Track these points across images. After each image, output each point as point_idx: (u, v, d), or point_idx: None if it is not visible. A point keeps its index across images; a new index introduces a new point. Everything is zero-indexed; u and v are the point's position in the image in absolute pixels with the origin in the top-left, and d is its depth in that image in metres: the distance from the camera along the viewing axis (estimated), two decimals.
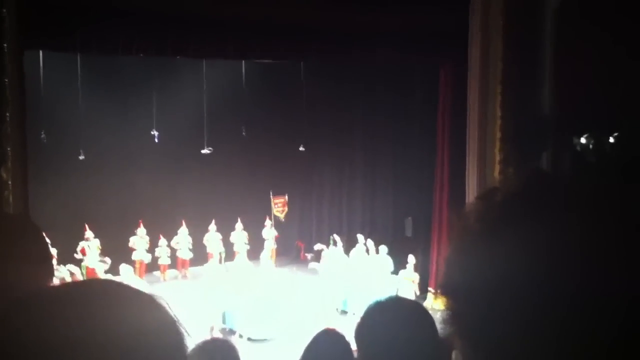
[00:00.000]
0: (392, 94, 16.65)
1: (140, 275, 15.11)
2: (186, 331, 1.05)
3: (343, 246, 15.79)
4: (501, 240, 0.91)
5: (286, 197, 17.91)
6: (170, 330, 1.02)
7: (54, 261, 12.71)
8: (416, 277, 14.18)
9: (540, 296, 0.86)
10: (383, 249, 14.73)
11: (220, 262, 16.44)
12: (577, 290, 0.84)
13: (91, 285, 1.09)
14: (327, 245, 15.95)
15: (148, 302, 1.03)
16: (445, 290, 1.00)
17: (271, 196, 17.60)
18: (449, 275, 0.99)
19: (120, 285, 1.06)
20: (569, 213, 0.89)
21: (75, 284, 1.06)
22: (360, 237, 15.76)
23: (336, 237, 16.08)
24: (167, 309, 1.04)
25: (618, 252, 0.86)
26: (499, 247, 0.91)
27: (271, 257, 16.52)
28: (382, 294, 3.07)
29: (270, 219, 17.50)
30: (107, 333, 0.93)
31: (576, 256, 0.86)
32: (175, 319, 1.04)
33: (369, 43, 12.19)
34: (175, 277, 16.72)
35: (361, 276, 14.36)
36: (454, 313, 0.97)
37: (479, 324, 0.92)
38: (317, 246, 16.09)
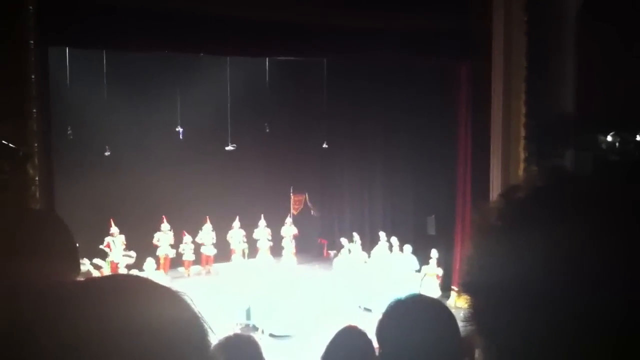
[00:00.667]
0: (412, 91, 16.58)
1: (164, 271, 15.23)
2: (210, 327, 1.05)
3: (362, 244, 15.80)
4: (523, 238, 0.91)
5: (306, 195, 17.90)
6: (193, 325, 1.02)
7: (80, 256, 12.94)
8: (440, 271, 14.22)
9: (562, 295, 0.86)
10: (408, 247, 14.71)
11: (243, 258, 16.53)
12: (598, 290, 0.84)
13: (114, 279, 1.09)
14: (349, 242, 15.97)
15: (171, 298, 1.03)
16: (466, 288, 1.00)
17: (291, 193, 17.63)
18: (470, 274, 0.99)
19: (143, 280, 1.06)
20: (590, 211, 0.89)
21: (97, 279, 1.06)
22: (382, 234, 15.76)
23: (355, 235, 16.07)
24: (191, 304, 1.04)
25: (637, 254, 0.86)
26: (520, 245, 0.91)
27: (292, 254, 16.56)
28: (405, 292, 3.06)
29: (290, 216, 17.54)
30: (129, 328, 0.93)
31: (598, 255, 0.86)
32: (198, 314, 1.04)
33: (389, 42, 12.15)
34: (199, 273, 16.81)
35: (385, 274, 14.34)
36: (475, 311, 0.98)
37: (500, 322, 0.92)
38: (342, 241, 16.10)
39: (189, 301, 1.05)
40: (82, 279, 1.11)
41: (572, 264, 0.86)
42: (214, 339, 1.06)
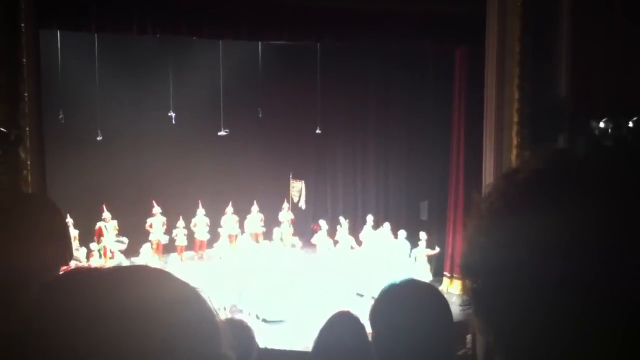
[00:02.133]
0: (407, 76, 16.59)
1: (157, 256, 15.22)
2: (224, 326, 1.05)
3: (351, 227, 15.87)
4: (524, 220, 0.91)
5: (302, 183, 17.91)
6: (207, 323, 1.03)
7: (75, 241, 12.93)
8: (429, 251, 14.40)
9: (563, 277, 0.85)
10: (402, 233, 14.74)
11: (235, 243, 16.55)
12: (598, 273, 0.84)
13: (131, 271, 1.08)
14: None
15: (189, 293, 1.04)
16: (465, 270, 0.99)
17: (290, 178, 17.62)
18: (470, 255, 0.98)
19: (163, 273, 1.06)
20: (593, 194, 0.89)
21: (118, 268, 1.07)
22: (369, 217, 15.79)
23: (342, 218, 16.11)
24: (208, 301, 1.05)
25: (633, 234, 0.85)
26: (521, 226, 0.90)
27: (283, 238, 16.55)
28: (398, 277, 3.07)
29: (288, 201, 17.52)
30: (143, 320, 0.94)
31: (598, 238, 0.85)
32: (214, 312, 1.05)
33: (384, 26, 12.11)
34: (192, 258, 16.81)
35: (378, 259, 14.38)
36: (474, 293, 0.97)
37: (499, 304, 0.92)
38: (321, 222, 16.21)
39: (205, 298, 1.05)
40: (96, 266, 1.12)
41: (572, 247, 0.86)
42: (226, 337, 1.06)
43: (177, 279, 1.05)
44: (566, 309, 0.85)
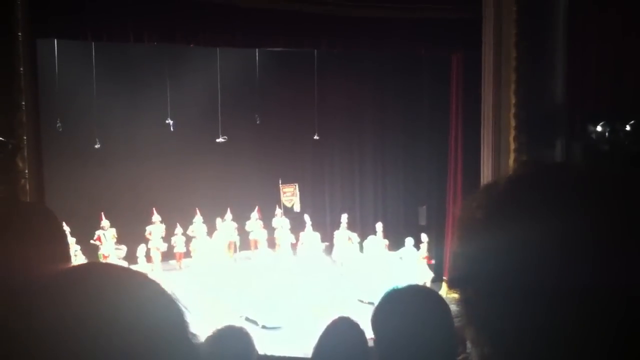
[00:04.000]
0: (404, 81, 16.63)
1: (156, 263, 15.18)
2: (185, 307, 1.05)
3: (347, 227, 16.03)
4: (503, 229, 0.92)
5: (295, 186, 17.88)
6: (170, 307, 1.03)
7: (74, 250, 12.89)
8: (425, 253, 14.62)
9: (544, 285, 0.86)
10: (409, 241, 14.75)
11: (235, 251, 16.53)
12: (579, 280, 0.84)
13: (87, 268, 1.10)
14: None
15: (145, 283, 1.04)
16: (454, 282, 1.00)
17: (280, 185, 17.60)
18: (457, 267, 1.00)
19: (117, 267, 1.07)
20: (568, 200, 0.90)
21: (70, 268, 1.07)
22: (379, 225, 15.84)
23: (343, 216, 16.29)
24: (165, 288, 1.05)
25: (617, 238, 0.86)
26: (501, 235, 0.92)
27: (279, 244, 16.56)
28: (400, 282, 3.08)
29: (280, 207, 17.50)
30: (105, 316, 0.94)
31: (576, 245, 0.86)
32: (173, 296, 1.05)
33: (381, 31, 12.14)
34: (189, 266, 16.75)
35: (383, 268, 14.42)
36: (464, 304, 0.98)
37: (488, 313, 0.93)
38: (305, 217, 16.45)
39: (163, 286, 1.05)
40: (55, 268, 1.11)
41: (553, 254, 0.87)
42: (190, 318, 1.06)
43: (133, 271, 1.06)
44: (553, 316, 0.86)
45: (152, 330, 0.97)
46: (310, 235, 15.92)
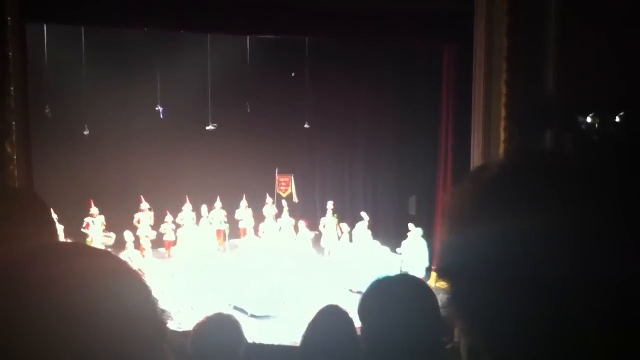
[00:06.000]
0: (395, 72, 16.61)
1: (144, 251, 15.15)
2: (151, 285, 1.03)
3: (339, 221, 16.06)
4: (491, 218, 0.91)
5: (291, 176, 17.90)
6: (137, 284, 1.01)
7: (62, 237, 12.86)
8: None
9: (533, 274, 0.86)
10: (418, 231, 14.75)
11: (224, 239, 16.52)
12: (568, 269, 0.84)
13: (52, 247, 1.08)
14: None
15: (112, 261, 1.02)
16: (442, 272, 1.00)
17: (276, 174, 17.60)
18: (445, 257, 0.99)
19: (83, 246, 1.06)
20: (555, 189, 0.90)
21: (36, 246, 1.04)
22: (364, 214, 15.88)
23: (329, 210, 16.38)
24: (130, 264, 1.03)
25: (603, 227, 0.86)
26: (489, 226, 0.91)
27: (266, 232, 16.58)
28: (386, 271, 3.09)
29: (272, 196, 17.50)
30: (77, 297, 0.92)
31: (564, 234, 0.86)
32: (140, 273, 1.03)
33: (373, 23, 12.11)
34: (177, 254, 16.72)
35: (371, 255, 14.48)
36: (452, 294, 0.98)
37: (476, 303, 0.93)
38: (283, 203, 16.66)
39: (129, 264, 1.04)
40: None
41: (542, 243, 0.86)
42: (168, 307, 1.05)
43: (99, 250, 1.05)
44: (541, 305, 0.86)
45: (116, 308, 0.95)
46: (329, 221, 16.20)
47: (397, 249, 14.72)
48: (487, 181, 0.97)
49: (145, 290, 1.02)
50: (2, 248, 1.88)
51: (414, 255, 14.39)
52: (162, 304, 1.03)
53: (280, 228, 16.15)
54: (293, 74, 16.66)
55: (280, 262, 14.09)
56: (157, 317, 1.02)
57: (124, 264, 1.03)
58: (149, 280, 1.03)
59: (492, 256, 0.90)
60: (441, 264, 1.01)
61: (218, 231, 16.60)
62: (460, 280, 0.96)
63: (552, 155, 0.97)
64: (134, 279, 1.02)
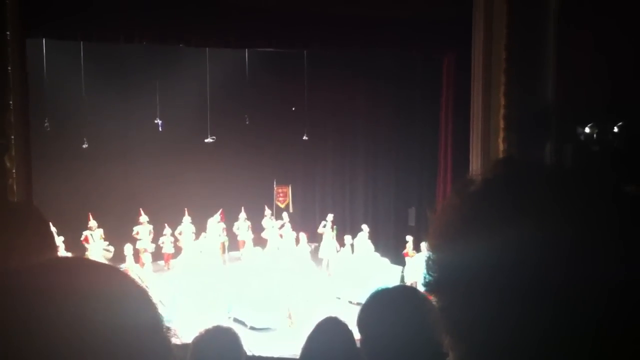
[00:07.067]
0: (394, 84, 16.64)
1: (143, 264, 15.12)
2: (157, 300, 1.03)
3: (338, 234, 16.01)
4: (479, 234, 0.91)
5: (289, 187, 17.90)
6: (142, 299, 1.01)
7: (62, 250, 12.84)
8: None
9: (515, 289, 0.86)
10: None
11: (224, 251, 16.49)
12: (556, 283, 0.84)
13: (56, 263, 1.07)
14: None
15: (116, 276, 1.02)
16: (429, 288, 0.99)
17: (274, 185, 17.60)
18: (432, 273, 0.98)
19: (87, 261, 1.07)
20: (542, 202, 0.89)
21: (39, 263, 1.04)
22: (364, 227, 15.86)
23: (328, 221, 16.43)
24: (137, 279, 1.03)
25: (590, 240, 0.86)
26: (477, 241, 0.91)
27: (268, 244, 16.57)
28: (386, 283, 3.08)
29: (271, 208, 17.48)
30: (81, 311, 0.91)
31: (551, 248, 0.85)
32: (145, 288, 1.02)
33: (372, 32, 12.14)
34: (177, 266, 16.68)
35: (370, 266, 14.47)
36: (441, 310, 0.97)
37: (462, 319, 0.92)
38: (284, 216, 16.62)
39: (134, 277, 1.03)
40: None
41: (520, 256, 0.86)
42: (165, 313, 1.04)
43: (103, 264, 1.04)
44: (529, 320, 0.85)
45: (122, 324, 0.94)
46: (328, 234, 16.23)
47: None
48: (470, 196, 0.96)
49: (151, 306, 1.02)
50: (6, 263, 1.88)
51: (416, 267, 14.38)
52: (166, 319, 1.04)
53: (280, 240, 16.12)
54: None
55: (282, 275, 14.05)
56: (162, 334, 1.02)
57: (129, 279, 1.03)
58: (154, 295, 1.04)
59: (478, 273, 0.89)
60: (429, 280, 1.00)
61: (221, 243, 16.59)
62: (448, 295, 0.95)
63: (538, 167, 0.97)
64: (140, 295, 1.01)
